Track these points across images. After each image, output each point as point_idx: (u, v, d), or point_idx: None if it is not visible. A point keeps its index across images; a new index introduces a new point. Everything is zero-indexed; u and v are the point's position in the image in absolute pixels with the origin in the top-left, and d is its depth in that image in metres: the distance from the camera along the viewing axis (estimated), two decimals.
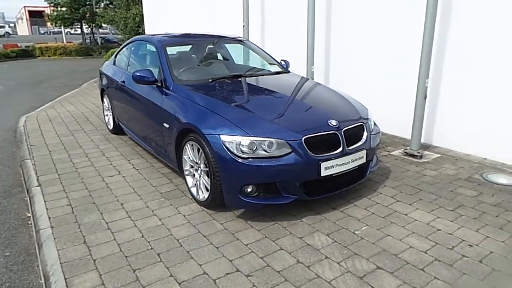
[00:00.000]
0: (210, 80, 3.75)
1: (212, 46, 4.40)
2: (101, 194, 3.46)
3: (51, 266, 2.40)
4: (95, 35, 28.43)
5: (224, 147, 2.76)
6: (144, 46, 4.62)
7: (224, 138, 2.78)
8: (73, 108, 7.36)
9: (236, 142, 2.74)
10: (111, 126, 5.40)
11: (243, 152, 2.73)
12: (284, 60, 4.67)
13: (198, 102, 3.22)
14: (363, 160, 3.10)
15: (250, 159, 2.71)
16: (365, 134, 3.17)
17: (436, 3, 3.92)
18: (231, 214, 3.05)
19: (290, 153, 2.74)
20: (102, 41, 28.05)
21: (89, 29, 27.85)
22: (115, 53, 5.40)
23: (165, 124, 3.47)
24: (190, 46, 4.47)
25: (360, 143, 3.08)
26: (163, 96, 3.60)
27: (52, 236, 2.77)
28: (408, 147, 4.48)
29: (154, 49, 4.13)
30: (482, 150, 4.28)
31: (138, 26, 14.22)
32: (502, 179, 3.67)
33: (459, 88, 4.37)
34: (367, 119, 3.32)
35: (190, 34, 4.99)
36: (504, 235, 2.69)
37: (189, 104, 3.26)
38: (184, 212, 3.10)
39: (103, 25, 28.71)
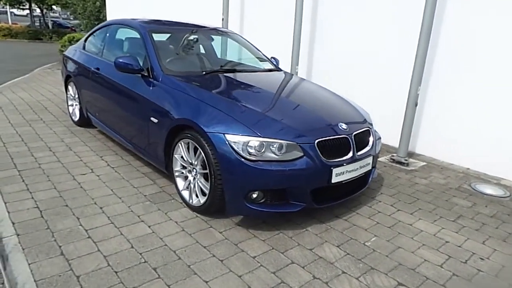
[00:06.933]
0: (204, 72, 3.43)
1: (202, 36, 4.06)
2: (74, 195, 3.01)
3: (23, 285, 1.97)
4: (45, 18, 26.29)
5: (230, 147, 2.47)
6: (122, 31, 4.16)
7: (230, 137, 2.49)
8: (27, 95, 6.59)
9: (243, 142, 2.47)
10: (76, 118, 4.85)
11: (250, 153, 2.46)
12: (274, 58, 4.45)
13: (196, 96, 2.88)
14: (370, 167, 2.96)
15: (259, 162, 2.44)
16: (371, 139, 3.03)
17: (433, 9, 3.90)
18: (229, 221, 2.76)
19: (302, 157, 2.52)
20: (54, 25, 26.02)
21: (39, 10, 25.66)
22: (85, 37, 4.85)
23: (152, 119, 3.10)
24: (176, 34, 4.07)
25: (367, 148, 2.94)
26: (151, 87, 3.22)
27: (20, 245, 2.31)
28: (394, 154, 4.45)
29: (137, 35, 3.71)
30: (465, 160, 4.35)
31: (98, 11, 13.25)
32: (489, 189, 3.72)
33: (444, 98, 4.42)
34: (371, 123, 3.19)
35: (171, 21, 4.60)
36: (510, 248, 2.67)
37: (184, 98, 2.92)
38: (175, 219, 2.76)
39: (54, 7, 26.75)
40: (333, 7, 5.40)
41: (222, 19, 6.58)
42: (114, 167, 3.64)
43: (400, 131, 4.36)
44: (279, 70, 4.15)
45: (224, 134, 2.52)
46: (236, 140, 2.48)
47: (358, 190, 3.01)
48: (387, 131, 4.59)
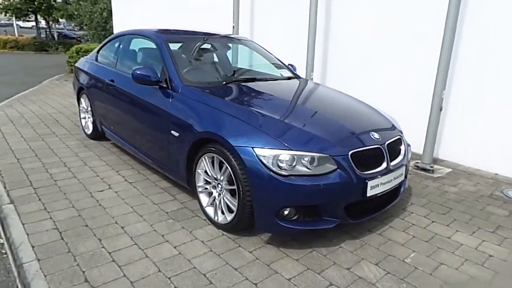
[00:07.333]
0: (224, 82, 3.31)
1: (219, 45, 3.95)
2: (94, 214, 2.88)
3: None
4: (51, 30, 26.45)
5: (260, 162, 2.33)
6: (136, 41, 4.06)
7: (258, 151, 2.36)
8: (37, 108, 6.52)
9: (273, 156, 2.33)
10: (89, 131, 4.74)
11: (280, 168, 2.32)
12: (291, 65, 4.32)
13: (219, 107, 2.76)
14: (402, 178, 2.81)
15: (291, 177, 2.31)
16: (403, 148, 2.89)
17: (457, 10, 3.76)
18: (258, 239, 2.62)
19: (335, 170, 2.38)
20: (59, 36, 26.16)
21: (45, 22, 25.84)
22: (98, 48, 4.76)
23: (173, 132, 2.97)
24: (192, 43, 3.94)
25: (400, 158, 2.79)
26: (170, 99, 3.10)
27: (42, 272, 2.18)
28: (418, 161, 4.29)
29: (153, 45, 3.61)
30: (492, 165, 4.17)
31: (105, 21, 13.23)
32: None
33: (468, 101, 4.25)
34: (401, 130, 3.05)
35: (185, 30, 4.50)
36: None
37: (207, 110, 2.79)
38: (201, 238, 2.62)
39: (59, 19, 26.93)
40: (347, 4, 5.28)
41: (233, 27, 6.49)
42: (131, 182, 3.52)
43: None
44: (298, 77, 4.03)
45: (252, 147, 2.38)
46: (266, 154, 2.35)
47: (390, 202, 2.85)
48: (411, 135, 4.44)
